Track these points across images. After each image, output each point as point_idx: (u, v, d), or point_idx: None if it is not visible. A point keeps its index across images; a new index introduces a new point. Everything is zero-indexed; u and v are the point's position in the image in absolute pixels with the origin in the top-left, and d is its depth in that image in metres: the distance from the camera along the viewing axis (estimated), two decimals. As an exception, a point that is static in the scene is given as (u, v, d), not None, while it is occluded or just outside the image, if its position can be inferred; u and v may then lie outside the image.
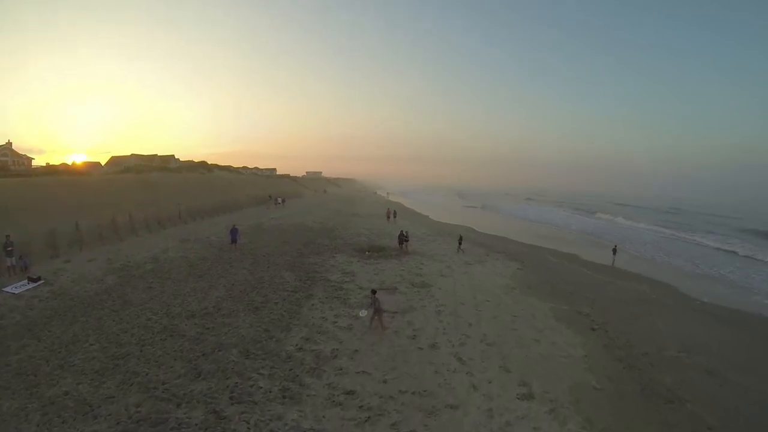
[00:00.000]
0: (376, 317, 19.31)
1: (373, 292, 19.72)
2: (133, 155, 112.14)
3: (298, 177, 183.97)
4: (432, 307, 22.67)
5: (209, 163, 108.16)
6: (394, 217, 63.67)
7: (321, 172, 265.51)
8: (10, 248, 24.43)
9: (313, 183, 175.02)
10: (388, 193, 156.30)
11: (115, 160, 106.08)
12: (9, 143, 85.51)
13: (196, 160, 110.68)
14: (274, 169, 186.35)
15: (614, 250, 42.29)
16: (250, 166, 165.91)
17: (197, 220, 50.32)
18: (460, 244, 38.49)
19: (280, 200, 78.34)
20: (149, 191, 50.66)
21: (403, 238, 37.59)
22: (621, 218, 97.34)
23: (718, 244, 60.57)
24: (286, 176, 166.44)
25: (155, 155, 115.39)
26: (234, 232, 34.00)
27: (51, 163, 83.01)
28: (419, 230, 52.54)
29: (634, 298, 27.90)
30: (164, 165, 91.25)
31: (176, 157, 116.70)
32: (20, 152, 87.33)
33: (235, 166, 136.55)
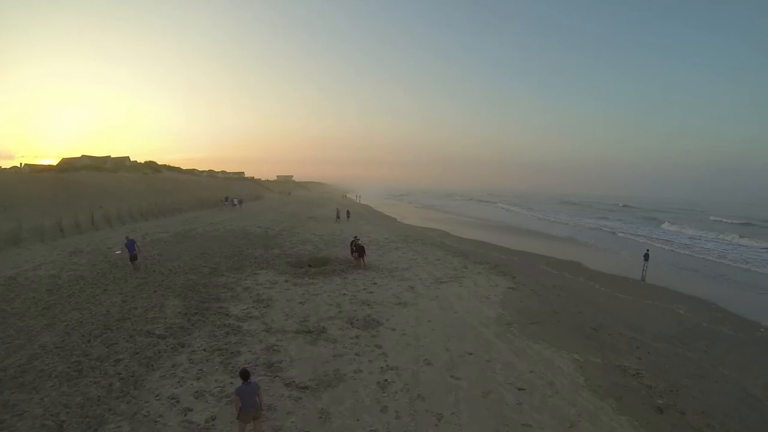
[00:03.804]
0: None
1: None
2: (84, 156, 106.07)
3: (262, 180, 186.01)
4: (374, 373, 13.42)
5: (159, 163, 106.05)
6: (348, 217, 60.16)
7: (292, 176, 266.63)
8: None
9: (280, 186, 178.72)
10: (358, 196, 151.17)
11: (65, 162, 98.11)
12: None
13: (159, 162, 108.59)
14: (242, 173, 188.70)
15: (646, 256, 32.33)
16: (216, 170, 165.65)
17: (122, 225, 44.46)
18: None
19: (236, 202, 76.76)
20: (67, 194, 45.72)
21: (356, 247, 28.65)
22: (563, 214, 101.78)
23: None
24: (250, 179, 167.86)
25: (108, 156, 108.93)
26: (131, 246, 26.16)
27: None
28: (381, 235, 44.50)
29: (680, 330, 19.51)
30: (98, 165, 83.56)
31: (131, 159, 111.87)
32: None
33: (200, 169, 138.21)
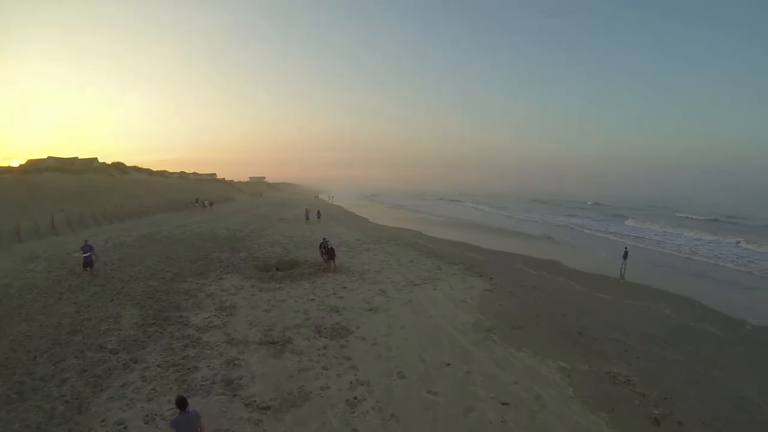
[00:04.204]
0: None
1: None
2: (50, 158, 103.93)
3: (235, 181, 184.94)
4: (342, 389, 12.13)
5: (129, 165, 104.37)
6: (318, 218, 58.41)
7: (264, 177, 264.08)
8: None
9: (252, 187, 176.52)
10: (330, 197, 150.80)
11: (30, 164, 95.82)
12: None
13: (129, 164, 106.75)
14: (214, 174, 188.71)
15: (625, 254, 31.61)
16: (188, 172, 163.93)
17: (85, 229, 41.79)
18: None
19: (207, 203, 74.61)
20: (28, 196, 44.28)
21: (326, 250, 27.48)
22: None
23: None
24: (221, 180, 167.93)
25: (75, 158, 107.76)
26: (87, 251, 24.55)
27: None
28: (353, 236, 43.17)
29: (666, 330, 18.68)
30: (64, 167, 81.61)
31: (100, 160, 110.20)
32: None
33: (171, 171, 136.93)
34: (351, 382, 12.35)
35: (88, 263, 24.31)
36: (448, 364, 13.65)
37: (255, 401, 11.21)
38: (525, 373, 13.22)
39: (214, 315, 18.09)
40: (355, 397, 11.52)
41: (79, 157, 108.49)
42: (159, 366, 13.20)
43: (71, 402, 11.17)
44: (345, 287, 22.85)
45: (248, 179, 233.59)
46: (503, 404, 11.33)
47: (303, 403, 11.26)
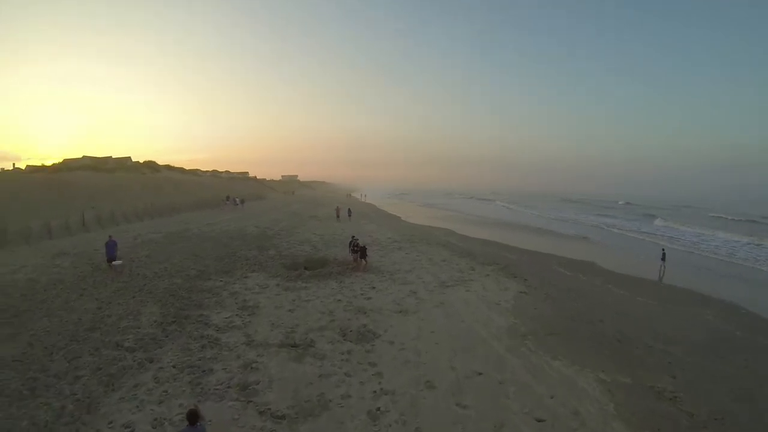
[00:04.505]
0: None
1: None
2: (84, 157, 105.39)
3: (267, 180, 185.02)
4: (365, 399, 11.36)
5: (161, 164, 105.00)
6: (349, 215, 58.23)
7: (297, 176, 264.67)
8: None
9: (284, 185, 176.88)
10: (363, 195, 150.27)
11: (66, 163, 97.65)
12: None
13: (162, 163, 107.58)
14: (246, 173, 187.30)
15: (663, 255, 30.22)
16: (220, 170, 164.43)
17: (116, 226, 41.70)
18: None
19: (238, 201, 74.22)
20: (59, 194, 44.58)
21: (356, 248, 27.02)
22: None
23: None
24: (253, 179, 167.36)
25: (109, 157, 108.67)
26: (111, 248, 24.72)
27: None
28: (384, 235, 42.45)
29: (712, 339, 17.35)
30: (98, 166, 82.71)
31: (133, 159, 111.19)
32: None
33: (204, 170, 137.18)
34: (375, 391, 11.57)
35: (111, 258, 24.33)
36: (480, 373, 12.74)
37: (270, 409, 10.56)
38: (562, 385, 12.22)
39: (236, 314, 17.63)
40: (378, 408, 10.72)
41: (113, 157, 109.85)
42: (174, 367, 12.77)
43: (82, 401, 10.87)
44: (374, 287, 22.13)
45: (281, 178, 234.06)
46: (538, 421, 10.37)
47: (321, 413, 10.53)
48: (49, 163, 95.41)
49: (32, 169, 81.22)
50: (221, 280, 22.91)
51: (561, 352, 14.51)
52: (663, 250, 31.72)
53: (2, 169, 75.75)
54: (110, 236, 25.73)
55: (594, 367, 13.50)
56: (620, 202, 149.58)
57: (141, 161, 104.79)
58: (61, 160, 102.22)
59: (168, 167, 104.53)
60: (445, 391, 11.70)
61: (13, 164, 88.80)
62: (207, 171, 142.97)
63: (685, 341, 16.67)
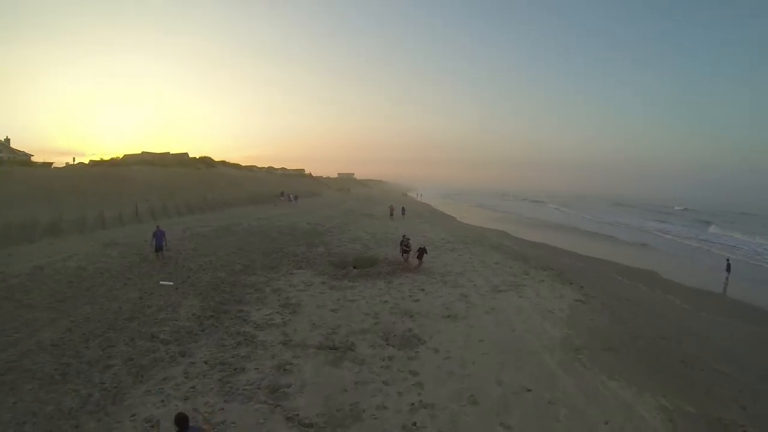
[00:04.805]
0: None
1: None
2: (144, 153, 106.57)
3: (323, 177, 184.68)
4: (401, 412, 10.54)
5: (215, 159, 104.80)
6: (402, 214, 57.31)
7: (353, 174, 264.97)
8: None
9: (340, 183, 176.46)
10: (419, 194, 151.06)
11: (126, 158, 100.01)
12: (6, 140, 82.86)
13: (218, 159, 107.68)
14: (302, 170, 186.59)
15: (728, 266, 28.81)
16: (276, 167, 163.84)
17: (168, 218, 42.33)
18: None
19: (292, 197, 74.58)
20: (116, 187, 45.24)
21: (406, 248, 26.50)
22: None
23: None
24: (309, 176, 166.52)
25: (167, 153, 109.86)
26: (159, 237, 25.01)
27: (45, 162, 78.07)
28: (438, 235, 41.35)
29: None
30: (156, 161, 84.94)
31: (190, 155, 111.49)
32: (19, 149, 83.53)
33: (260, 166, 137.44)
34: (413, 404, 10.75)
35: (159, 248, 24.66)
36: (529, 390, 11.69)
37: (298, 415, 9.99)
38: (618, 410, 11.03)
39: (276, 312, 17.25)
40: (414, 423, 9.90)
41: (171, 152, 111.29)
42: (206, 363, 12.56)
43: (109, 390, 10.95)
44: (423, 289, 21.33)
45: (336, 175, 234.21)
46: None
47: (352, 424, 9.83)
48: (102, 158, 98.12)
49: (92, 164, 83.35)
50: (265, 276, 22.64)
51: (618, 371, 13.28)
52: (728, 260, 30.04)
53: (66, 163, 77.85)
54: (158, 226, 25.96)
55: (654, 391, 12.19)
56: (677, 207, 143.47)
57: (197, 157, 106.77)
58: (121, 156, 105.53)
59: (224, 163, 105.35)
60: (489, 408, 10.76)
61: (74, 158, 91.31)
62: (262, 167, 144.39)
63: (757, 367, 15.16)
